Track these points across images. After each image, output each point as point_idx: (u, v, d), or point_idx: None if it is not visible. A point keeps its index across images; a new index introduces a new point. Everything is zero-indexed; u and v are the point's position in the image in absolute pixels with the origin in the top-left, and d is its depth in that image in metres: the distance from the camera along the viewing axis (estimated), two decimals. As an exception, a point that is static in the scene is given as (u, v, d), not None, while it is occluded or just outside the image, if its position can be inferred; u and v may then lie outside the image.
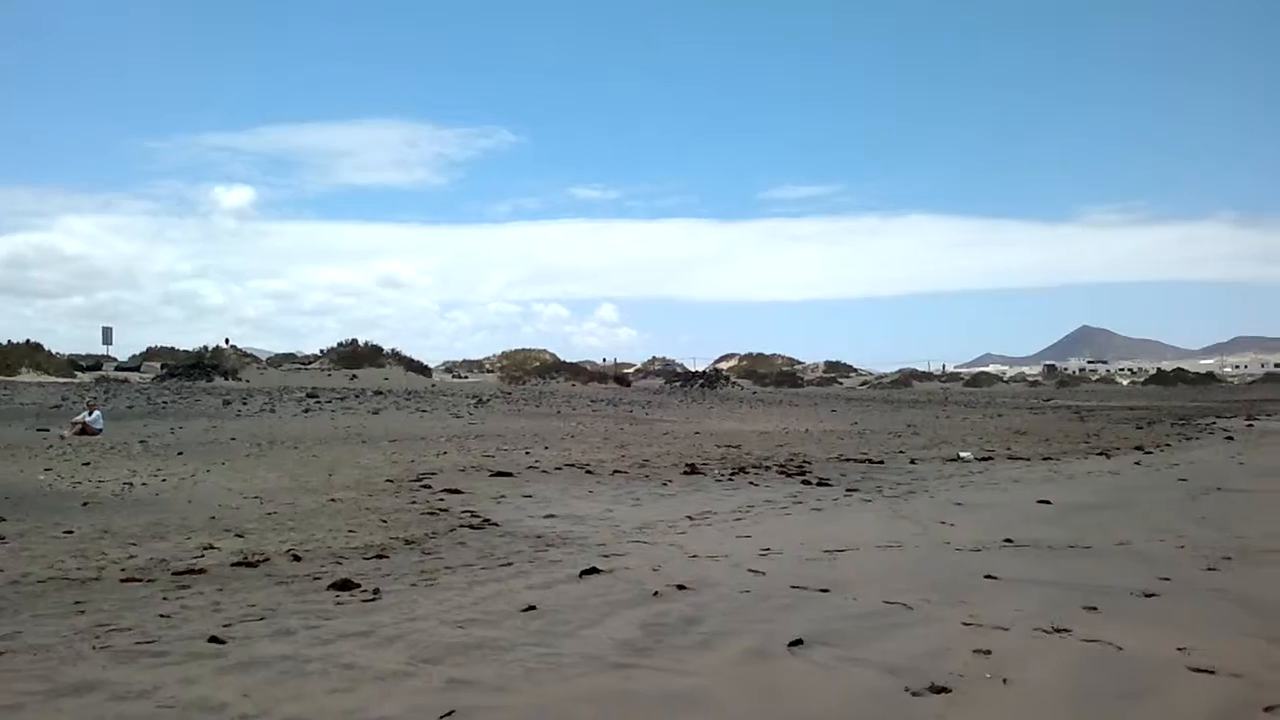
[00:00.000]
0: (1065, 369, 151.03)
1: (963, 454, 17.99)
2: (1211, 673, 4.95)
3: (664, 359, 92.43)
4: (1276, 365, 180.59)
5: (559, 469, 14.65)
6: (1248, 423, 31.88)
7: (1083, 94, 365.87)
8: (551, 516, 10.12)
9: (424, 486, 12.35)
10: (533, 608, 6.10)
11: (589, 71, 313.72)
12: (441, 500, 11.18)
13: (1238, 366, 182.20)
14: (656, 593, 6.54)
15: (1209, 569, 7.76)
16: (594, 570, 7.23)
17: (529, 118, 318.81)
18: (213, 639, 5.32)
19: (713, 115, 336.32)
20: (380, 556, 7.82)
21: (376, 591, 6.52)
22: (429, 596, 6.43)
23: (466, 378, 64.87)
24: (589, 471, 14.37)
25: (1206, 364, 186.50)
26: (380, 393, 34.03)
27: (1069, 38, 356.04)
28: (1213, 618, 6.14)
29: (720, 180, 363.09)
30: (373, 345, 60.86)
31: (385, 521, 9.63)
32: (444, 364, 77.18)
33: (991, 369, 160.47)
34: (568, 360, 74.38)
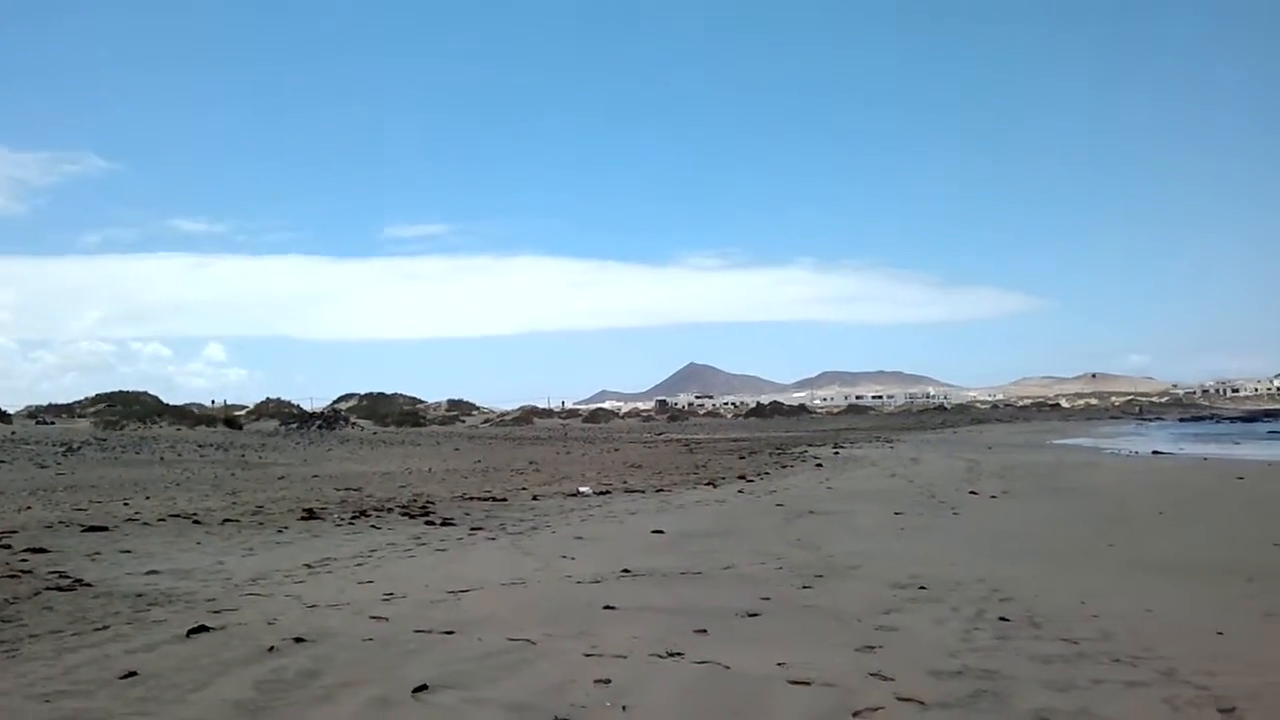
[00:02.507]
0: (675, 404, 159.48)
1: (582, 489, 18.50)
2: (808, 684, 5.37)
3: (279, 400, 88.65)
4: (857, 398, 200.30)
5: (163, 520, 13.63)
6: (834, 450, 34.94)
7: (674, 146, 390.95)
8: (154, 572, 9.38)
9: (2, 546, 11.09)
10: (133, 673, 5.63)
11: (191, 96, 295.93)
12: (24, 561, 10.06)
13: (825, 399, 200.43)
14: (272, 648, 6.22)
15: (804, 587, 8.43)
16: (203, 628, 6.77)
17: (123, 143, 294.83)
18: None
19: (324, 148, 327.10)
20: (-52, 629, 6.93)
21: (-56, 669, 5.77)
22: (9, 669, 5.77)
23: (54, 423, 59.14)
24: (196, 521, 13.47)
25: (799, 397, 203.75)
26: (-51, 443, 30.33)
27: (660, 94, 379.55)
28: (808, 632, 6.68)
29: (333, 216, 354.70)
30: (-60, 390, 54.32)
31: (-45, 589, 8.55)
32: (27, 409, 70.08)
33: (608, 404, 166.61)
34: (172, 403, 69.75)
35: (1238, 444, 41.97)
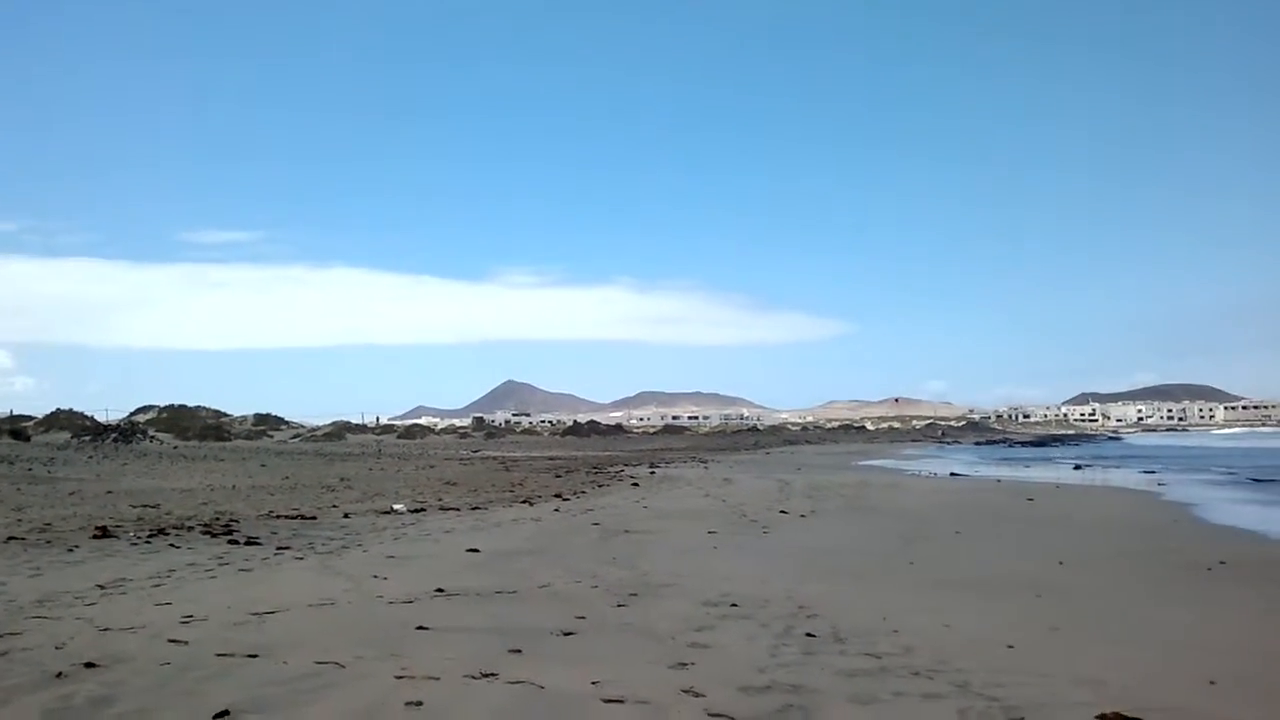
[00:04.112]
0: (493, 421, 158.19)
1: (396, 506, 18.17)
2: (621, 702, 5.41)
3: (70, 411, 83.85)
4: (674, 417, 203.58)
5: (-62, 539, 12.72)
6: (650, 470, 35.34)
7: (493, 161, 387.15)
8: (-73, 595, 8.75)
9: None
10: (-99, 704, 5.23)
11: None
12: None
13: (642, 419, 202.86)
14: (61, 674, 5.87)
15: (619, 605, 8.49)
16: (-18, 654, 6.35)
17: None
18: None
19: (126, 147, 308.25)
20: None
21: None
22: None
23: None
24: (-23, 540, 12.62)
25: (616, 416, 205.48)
26: None
27: (478, 107, 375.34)
28: (622, 650, 6.73)
29: (133, 219, 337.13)
30: None
31: None
32: None
33: (424, 421, 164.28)
34: (-50, 413, 65.26)
35: (1028, 467, 44.43)
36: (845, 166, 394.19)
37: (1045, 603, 8.91)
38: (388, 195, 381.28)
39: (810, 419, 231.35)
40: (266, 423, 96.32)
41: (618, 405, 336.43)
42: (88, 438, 54.59)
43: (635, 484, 26.85)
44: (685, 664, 6.30)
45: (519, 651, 6.59)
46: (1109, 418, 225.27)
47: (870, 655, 6.60)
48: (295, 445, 69.35)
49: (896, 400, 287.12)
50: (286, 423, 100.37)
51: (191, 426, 76.71)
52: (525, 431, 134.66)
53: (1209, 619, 8.34)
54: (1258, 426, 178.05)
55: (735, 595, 8.90)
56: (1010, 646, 6.95)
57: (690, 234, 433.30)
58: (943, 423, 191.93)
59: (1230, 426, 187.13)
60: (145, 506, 17.83)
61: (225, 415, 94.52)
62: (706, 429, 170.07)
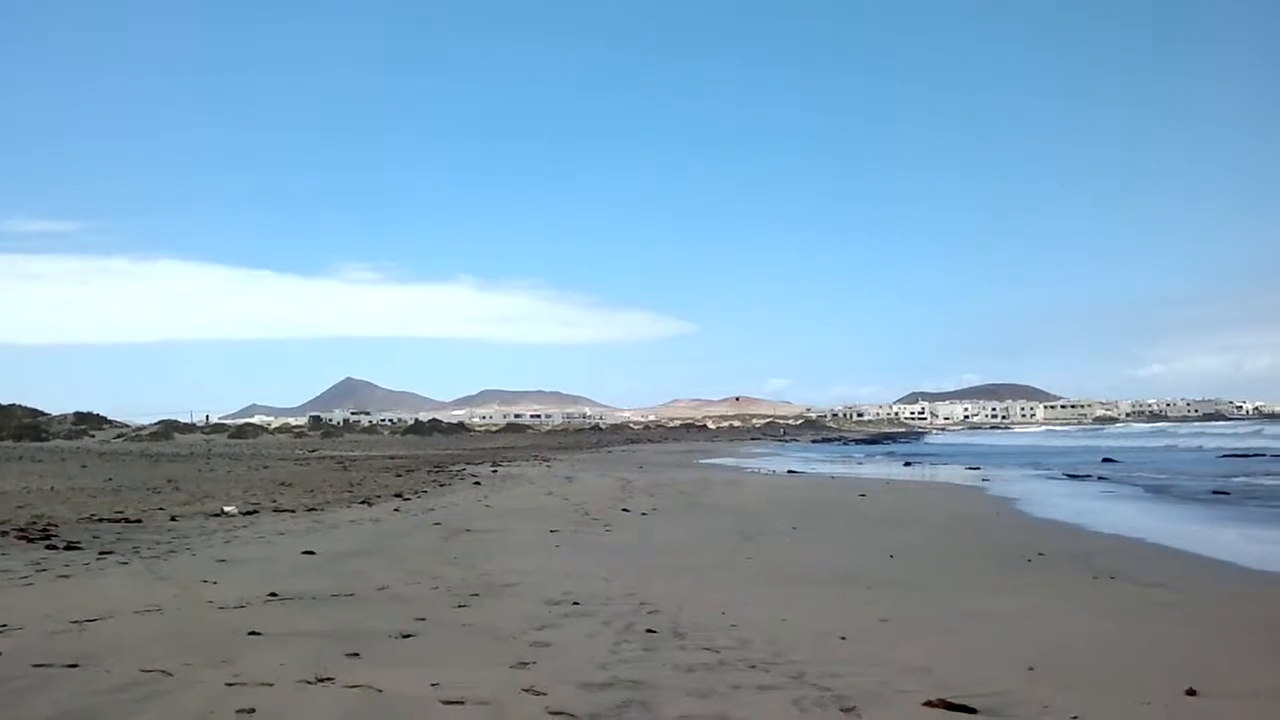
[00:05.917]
0: (330, 420, 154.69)
1: (227, 508, 17.58)
2: (462, 703, 5.37)
3: None
4: (516, 416, 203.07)
5: None
6: (492, 469, 35.08)
7: (331, 151, 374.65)
8: None
9: None
10: None
11: None
12: None
13: (485, 417, 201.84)
14: None
15: (460, 605, 8.42)
16: None
17: None
18: None
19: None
20: None
21: None
22: None
23: None
24: None
25: (458, 415, 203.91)
26: None
27: (313, 93, 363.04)
28: (463, 651, 6.69)
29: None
30: None
31: None
32: None
33: (257, 420, 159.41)
34: None
35: (861, 464, 45.89)
36: (686, 165, 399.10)
37: (876, 595, 9.22)
38: (219, 185, 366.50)
39: (652, 418, 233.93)
40: (88, 422, 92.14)
41: (460, 404, 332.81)
42: (-112, 438, 51.12)
43: (477, 483, 26.65)
44: (526, 663, 6.29)
45: (356, 655, 6.47)
46: (937, 416, 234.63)
47: (709, 650, 6.71)
48: (119, 445, 66.41)
49: (737, 399, 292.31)
50: (110, 422, 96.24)
51: (5, 426, 72.79)
52: (365, 430, 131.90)
53: (1029, 608, 8.77)
54: (1073, 425, 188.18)
55: (577, 593, 8.93)
56: (843, 638, 7.17)
57: (534, 232, 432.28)
58: (782, 421, 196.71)
59: (1050, 424, 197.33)
60: (-47, 511, 16.82)
61: (42, 414, 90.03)
62: (549, 427, 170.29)
